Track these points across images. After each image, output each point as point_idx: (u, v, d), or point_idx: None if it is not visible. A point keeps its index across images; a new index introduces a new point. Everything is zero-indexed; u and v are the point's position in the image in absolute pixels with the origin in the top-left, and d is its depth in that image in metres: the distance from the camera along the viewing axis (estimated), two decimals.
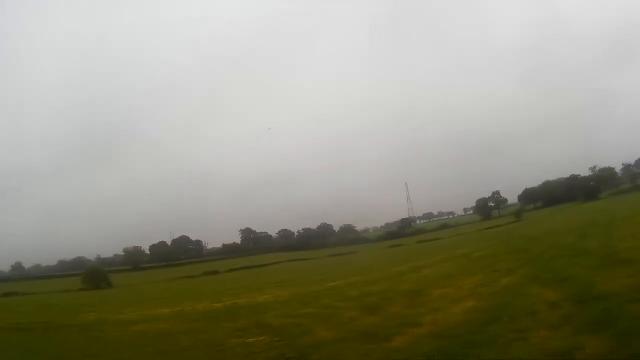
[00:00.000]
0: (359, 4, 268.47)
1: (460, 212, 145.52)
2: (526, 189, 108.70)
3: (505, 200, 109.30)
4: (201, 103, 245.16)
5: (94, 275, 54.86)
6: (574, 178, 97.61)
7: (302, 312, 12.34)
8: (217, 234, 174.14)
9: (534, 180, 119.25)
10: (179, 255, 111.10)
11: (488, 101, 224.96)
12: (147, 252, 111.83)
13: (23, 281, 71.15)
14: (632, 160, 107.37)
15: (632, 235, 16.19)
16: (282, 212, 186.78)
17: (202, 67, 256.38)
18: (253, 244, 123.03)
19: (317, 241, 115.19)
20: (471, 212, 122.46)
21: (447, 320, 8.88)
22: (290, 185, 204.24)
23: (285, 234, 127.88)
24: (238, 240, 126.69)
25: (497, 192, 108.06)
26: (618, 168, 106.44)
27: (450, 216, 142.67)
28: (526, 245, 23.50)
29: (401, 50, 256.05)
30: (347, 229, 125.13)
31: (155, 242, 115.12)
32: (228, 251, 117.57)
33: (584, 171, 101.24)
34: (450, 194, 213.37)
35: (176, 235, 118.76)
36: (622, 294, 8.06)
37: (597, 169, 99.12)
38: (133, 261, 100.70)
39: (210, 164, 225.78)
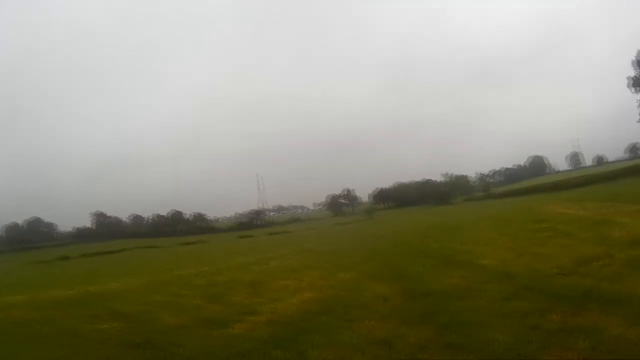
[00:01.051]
0: None
1: (311, 207, 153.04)
2: (379, 189, 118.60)
3: (358, 198, 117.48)
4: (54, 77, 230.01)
5: None
6: (427, 182, 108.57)
7: (151, 300, 13.18)
8: (68, 217, 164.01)
9: (390, 182, 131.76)
10: (31, 239, 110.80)
11: (352, 104, 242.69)
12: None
13: None
14: (486, 171, 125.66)
15: (472, 239, 18.39)
16: (134, 196, 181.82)
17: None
18: (106, 229, 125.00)
19: (169, 228, 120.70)
20: (324, 207, 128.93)
21: (284, 310, 10.16)
22: (142, 170, 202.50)
23: (136, 219, 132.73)
24: (89, 224, 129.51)
25: (350, 190, 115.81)
26: (473, 177, 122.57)
27: (302, 210, 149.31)
28: (372, 243, 25.45)
29: (269, 47, 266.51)
30: (199, 218, 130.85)
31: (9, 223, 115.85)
32: (81, 235, 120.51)
33: (439, 178, 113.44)
34: (304, 189, 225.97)
35: (28, 217, 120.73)
36: (449, 291, 9.53)
37: (451, 176, 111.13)
38: None
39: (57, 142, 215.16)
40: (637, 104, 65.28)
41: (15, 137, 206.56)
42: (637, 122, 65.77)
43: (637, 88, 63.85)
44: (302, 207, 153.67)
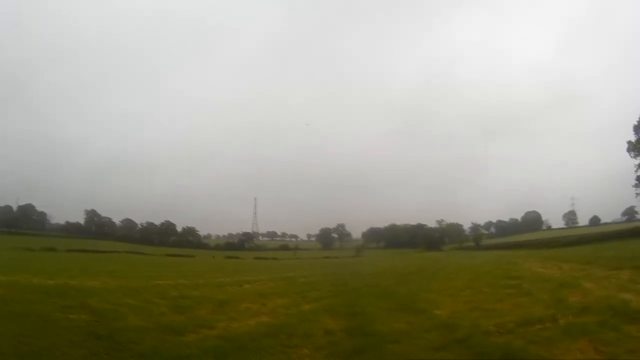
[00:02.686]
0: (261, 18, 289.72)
1: (304, 237, 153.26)
2: (371, 227, 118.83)
3: (350, 234, 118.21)
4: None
5: None
6: (420, 226, 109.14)
7: (123, 302, 14.28)
8: (62, 209, 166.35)
9: (384, 222, 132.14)
10: (22, 224, 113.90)
11: (357, 143, 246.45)
12: None
13: None
14: (482, 222, 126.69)
15: (440, 289, 19.27)
16: (130, 201, 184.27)
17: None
18: (96, 228, 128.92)
19: (159, 238, 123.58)
20: (314, 239, 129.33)
21: (237, 329, 11.15)
22: (143, 178, 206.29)
23: (128, 224, 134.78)
24: (82, 220, 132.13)
25: (342, 225, 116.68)
26: (468, 226, 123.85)
27: (294, 239, 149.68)
28: (347, 280, 26.24)
29: (282, 76, 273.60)
30: (190, 232, 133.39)
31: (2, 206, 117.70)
32: (71, 230, 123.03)
33: (433, 223, 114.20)
34: (299, 218, 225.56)
35: (22, 202, 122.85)
36: (389, 334, 10.19)
37: (444, 223, 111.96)
38: None
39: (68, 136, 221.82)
40: (635, 168, 66.10)
41: (29, 125, 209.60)
42: (633, 186, 66.63)
43: (636, 153, 64.71)
44: (294, 236, 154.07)
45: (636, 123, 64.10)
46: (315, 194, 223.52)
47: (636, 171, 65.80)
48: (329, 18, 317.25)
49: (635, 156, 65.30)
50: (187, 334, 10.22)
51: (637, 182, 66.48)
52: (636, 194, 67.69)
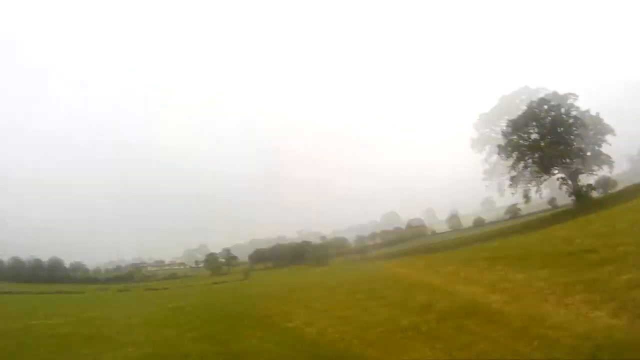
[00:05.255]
0: None
1: (192, 264, 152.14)
2: (257, 249, 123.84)
3: (236, 257, 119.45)
4: None
5: None
6: (305, 243, 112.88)
7: None
8: None
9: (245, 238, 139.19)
10: None
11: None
12: None
13: None
14: (365, 233, 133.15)
15: (303, 301, 20.70)
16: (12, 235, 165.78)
17: None
18: None
19: (48, 274, 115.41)
20: (202, 265, 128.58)
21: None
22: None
23: (16, 262, 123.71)
24: None
25: (228, 249, 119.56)
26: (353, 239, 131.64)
27: (182, 266, 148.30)
28: (219, 304, 28.16)
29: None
30: (78, 266, 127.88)
31: None
32: None
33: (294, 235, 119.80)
34: (184, 244, 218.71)
35: None
36: (237, 351, 12.12)
37: (327, 238, 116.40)
38: None
39: None
40: (482, 163, 72.47)
41: None
42: (482, 179, 73.37)
43: (479, 148, 71.38)
44: (183, 264, 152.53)
45: (475, 121, 71.49)
46: (193, 220, 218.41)
47: (483, 165, 72.49)
48: None
49: (479, 151, 72.32)
50: None
51: (484, 175, 73.22)
52: (485, 186, 74.35)
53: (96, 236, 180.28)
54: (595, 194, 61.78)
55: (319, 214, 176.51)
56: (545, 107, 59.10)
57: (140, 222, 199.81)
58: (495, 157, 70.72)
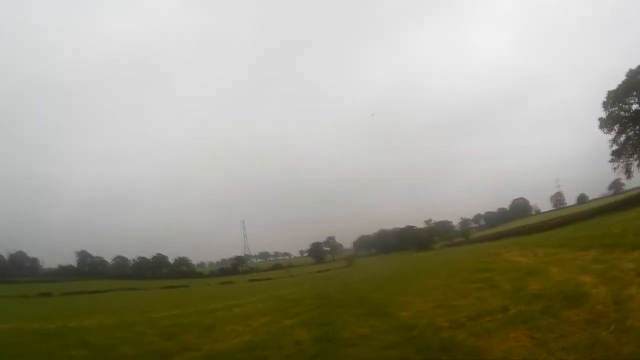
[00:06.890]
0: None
1: (296, 253, 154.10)
2: (361, 236, 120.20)
3: (341, 245, 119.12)
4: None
5: None
6: (408, 229, 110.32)
7: (116, 335, 15.72)
8: (53, 252, 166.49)
9: (373, 229, 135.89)
10: (15, 272, 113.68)
11: (337, 154, 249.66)
12: None
13: None
14: (471, 216, 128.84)
15: (414, 290, 19.56)
16: (119, 237, 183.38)
17: None
18: (89, 268, 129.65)
19: (152, 271, 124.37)
20: (307, 254, 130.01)
21: (219, 349, 12.41)
22: (129, 210, 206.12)
23: (120, 261, 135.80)
24: (74, 262, 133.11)
25: (332, 237, 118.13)
26: (457, 222, 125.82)
27: (287, 257, 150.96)
28: (329, 292, 27.44)
29: (259, 98, 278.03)
30: (182, 262, 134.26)
31: None
32: (64, 273, 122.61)
33: (422, 224, 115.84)
34: (289, 235, 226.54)
35: (13, 251, 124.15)
36: (349, 339, 11.35)
37: (432, 222, 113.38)
38: None
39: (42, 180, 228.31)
40: (609, 144, 67.27)
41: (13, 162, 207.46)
42: (609, 162, 67.84)
43: (608, 128, 65.94)
44: (287, 254, 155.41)
45: (604, 100, 65.63)
46: (302, 210, 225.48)
47: (611, 146, 66.94)
48: (295, 46, 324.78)
49: (608, 132, 66.59)
50: (172, 356, 11.65)
51: (612, 157, 67.65)
52: (613, 168, 68.71)
53: (217, 234, 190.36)
54: None
55: (444, 203, 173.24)
56: None
57: (268, 217, 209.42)
58: (623, 137, 64.44)
